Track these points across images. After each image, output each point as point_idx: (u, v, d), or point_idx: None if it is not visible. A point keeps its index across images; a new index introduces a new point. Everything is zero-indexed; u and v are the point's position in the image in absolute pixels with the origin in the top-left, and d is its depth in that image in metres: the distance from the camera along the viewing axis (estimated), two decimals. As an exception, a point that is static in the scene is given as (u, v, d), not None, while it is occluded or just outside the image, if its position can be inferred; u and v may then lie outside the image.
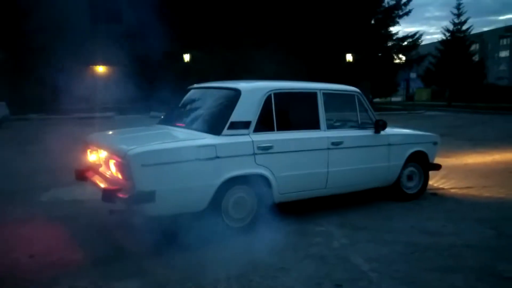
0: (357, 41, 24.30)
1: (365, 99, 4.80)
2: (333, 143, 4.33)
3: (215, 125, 3.83)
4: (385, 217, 4.54)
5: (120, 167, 3.42)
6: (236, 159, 3.74)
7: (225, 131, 3.76)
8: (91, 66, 22.92)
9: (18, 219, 4.07)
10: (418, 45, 27.23)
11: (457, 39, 36.45)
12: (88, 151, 4.20)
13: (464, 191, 5.82)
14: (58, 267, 3.12)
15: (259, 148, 3.85)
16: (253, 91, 4.01)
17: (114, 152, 3.55)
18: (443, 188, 5.95)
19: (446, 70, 34.93)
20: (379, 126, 4.68)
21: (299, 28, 22.87)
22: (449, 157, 8.15)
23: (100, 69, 24.00)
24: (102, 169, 3.97)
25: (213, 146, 3.62)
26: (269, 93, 4.02)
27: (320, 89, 4.41)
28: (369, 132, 4.70)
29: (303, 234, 3.94)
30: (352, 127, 4.73)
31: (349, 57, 23.70)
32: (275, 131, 4.02)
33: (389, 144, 4.84)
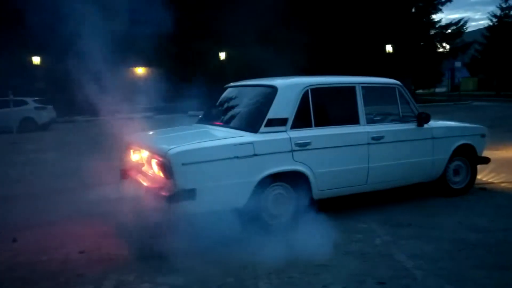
0: (397, 31, 23.56)
1: (407, 91, 4.66)
2: (373, 138, 4.24)
3: (252, 122, 3.86)
4: (430, 214, 4.39)
5: (162, 166, 3.52)
6: (274, 156, 3.75)
7: (263, 128, 3.77)
8: (131, 68, 23.69)
9: (67, 216, 4.28)
10: (463, 32, 26.04)
11: (505, 24, 34.51)
12: (131, 151, 4.35)
13: (516, 185, 5.53)
14: (106, 262, 3.27)
15: (297, 144, 3.84)
16: (290, 87, 4.00)
17: (156, 152, 3.66)
18: (492, 183, 5.68)
19: (494, 58, 33.20)
20: (421, 119, 4.53)
21: (336, 20, 22.48)
22: (499, 150, 7.76)
23: (139, 70, 24.76)
24: (144, 168, 4.10)
25: (251, 143, 3.65)
26: (306, 89, 3.99)
27: (359, 83, 4.33)
28: (411, 126, 4.56)
29: (344, 231, 3.88)
30: (393, 120, 4.61)
31: (389, 48, 23.01)
32: (313, 127, 3.98)
33: (433, 138, 4.67)
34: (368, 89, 4.39)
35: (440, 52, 27.35)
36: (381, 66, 20.72)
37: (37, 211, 4.51)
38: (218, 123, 4.34)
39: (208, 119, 4.62)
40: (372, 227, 4.01)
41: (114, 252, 3.44)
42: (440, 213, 4.39)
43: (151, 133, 4.45)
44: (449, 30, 25.86)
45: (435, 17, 26.41)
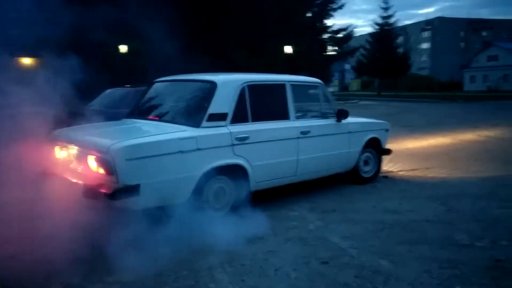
0: (294, 33, 24.92)
1: (327, 90, 5.10)
2: (302, 132, 4.57)
3: (193, 117, 3.90)
4: (348, 200, 4.90)
5: (102, 162, 3.38)
6: (216, 150, 3.85)
7: (204, 123, 3.84)
8: (16, 58, 21.34)
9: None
10: (351, 37, 28.54)
11: (385, 31, 38.77)
12: (57, 147, 4.06)
13: (411, 173, 6.40)
14: (44, 266, 3.03)
15: (237, 139, 3.98)
16: (229, 83, 4.12)
17: (93, 147, 3.49)
18: (392, 171, 6.49)
19: (376, 61, 37.07)
20: (341, 115, 5.00)
21: (237, 20, 22.94)
22: (391, 143, 8.75)
23: (26, 61, 22.43)
24: (73, 165, 3.87)
25: (194, 138, 3.70)
26: (244, 85, 4.15)
27: (288, 81, 4.62)
28: (331, 121, 5.00)
29: (279, 219, 4.15)
30: (316, 116, 4.99)
31: (288, 49, 24.25)
32: (250, 122, 4.16)
33: (349, 132, 5.19)
34: (296, 87, 4.70)
35: (331, 54, 29.60)
36: (280, 66, 21.73)
37: None
38: (152, 117, 4.27)
39: (139, 114, 4.50)
40: (302, 214, 4.35)
41: (50, 256, 3.20)
42: (357, 199, 4.92)
43: (81, 128, 4.19)
44: (340, 35, 28.17)
45: (328, 22, 28.24)
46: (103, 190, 3.31)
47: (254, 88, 4.24)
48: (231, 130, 3.96)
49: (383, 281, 2.88)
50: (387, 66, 36.48)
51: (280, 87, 4.55)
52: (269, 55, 23.93)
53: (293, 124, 4.53)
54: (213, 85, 4.04)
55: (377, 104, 27.18)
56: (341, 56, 30.80)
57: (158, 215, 3.61)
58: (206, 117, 3.85)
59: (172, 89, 4.57)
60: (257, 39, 23.85)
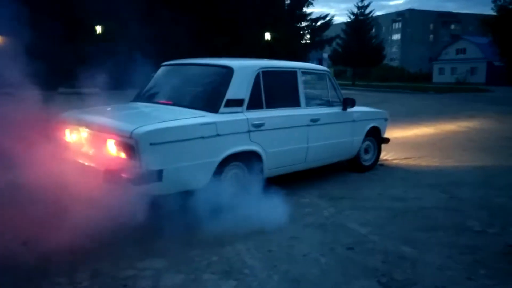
0: (274, 20, 24.84)
1: (334, 78, 5.13)
2: (311, 120, 4.59)
3: (211, 102, 3.83)
4: (353, 187, 4.98)
5: (124, 146, 3.29)
6: (234, 136, 3.81)
7: (222, 108, 3.79)
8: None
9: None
10: (330, 25, 28.74)
11: (361, 21, 39.22)
12: (67, 130, 3.91)
13: (405, 162, 6.57)
14: (68, 253, 2.95)
15: (253, 125, 3.96)
16: (245, 68, 4.07)
17: (114, 131, 3.38)
18: (387, 160, 6.63)
19: (351, 51, 37.54)
20: (347, 103, 5.05)
21: (218, 5, 22.63)
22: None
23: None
24: (86, 149, 3.75)
25: (214, 124, 3.65)
26: (259, 70, 4.11)
27: (299, 68, 4.62)
28: (338, 109, 5.05)
29: (292, 206, 4.15)
30: (322, 104, 5.02)
31: (268, 36, 24.18)
32: (264, 109, 4.14)
33: (353, 121, 5.26)
34: (305, 74, 4.71)
35: (309, 43, 29.74)
36: (259, 53, 21.66)
37: None
38: (165, 102, 4.17)
39: (148, 98, 4.39)
40: (314, 201, 4.39)
41: (72, 242, 3.10)
42: (362, 187, 5.01)
43: (93, 110, 4.03)
44: (319, 23, 28.31)
45: (306, 10, 28.28)
46: (125, 175, 3.22)
47: (268, 74, 4.21)
48: (248, 117, 3.93)
49: (410, 266, 2.97)
50: (362, 56, 37.04)
51: (292, 74, 4.54)
52: (248, 41, 23.80)
53: (304, 112, 4.55)
54: (229, 70, 3.98)
55: (352, 93, 27.46)
56: (319, 44, 31.01)
57: (177, 200, 3.56)
58: (223, 102, 3.80)
59: (183, 73, 4.47)
60: (237, 26, 23.64)
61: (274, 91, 4.34)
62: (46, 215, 3.21)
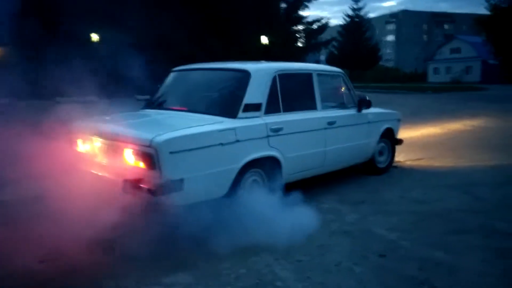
0: (270, 23, 24.78)
1: (349, 80, 5.02)
2: (328, 123, 4.47)
3: (229, 108, 3.70)
4: (372, 190, 4.85)
5: (143, 155, 3.15)
6: (253, 142, 3.68)
7: (240, 114, 3.66)
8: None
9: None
10: (326, 28, 28.69)
11: (356, 23, 39.31)
12: (79, 140, 3.76)
13: (417, 163, 6.46)
14: (89, 269, 2.80)
15: (272, 130, 3.83)
16: (262, 71, 3.95)
17: (132, 140, 3.24)
18: (399, 161, 6.51)
19: (347, 53, 37.57)
20: (363, 105, 4.93)
21: (215, 5, 22.55)
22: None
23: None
24: (98, 159, 3.61)
25: (233, 129, 3.52)
26: (275, 74, 3.99)
27: (315, 70, 4.50)
28: (353, 111, 4.93)
29: (314, 212, 4.02)
30: (338, 106, 4.89)
31: (265, 40, 24.11)
32: (282, 113, 4.01)
33: (369, 122, 5.14)
34: (320, 76, 4.59)
35: (305, 46, 29.65)
36: (255, 55, 21.55)
37: None
38: (179, 108, 4.04)
39: (160, 104, 4.26)
40: (334, 206, 4.26)
41: (93, 257, 2.96)
42: (380, 190, 4.88)
43: (106, 119, 3.89)
44: (315, 26, 28.23)
45: (302, 13, 28.18)
46: (145, 186, 3.08)
47: (284, 77, 4.09)
48: (266, 121, 3.81)
49: (448, 272, 2.84)
50: (358, 58, 37.08)
51: (308, 76, 4.42)
52: (244, 44, 23.72)
53: (321, 115, 4.43)
54: (246, 74, 3.85)
55: (351, 95, 27.52)
56: (316, 47, 30.93)
57: (197, 211, 3.42)
58: (242, 107, 3.67)
59: (196, 78, 4.34)
60: (233, 29, 23.56)
61: (291, 94, 4.21)
62: (64, 230, 3.06)
